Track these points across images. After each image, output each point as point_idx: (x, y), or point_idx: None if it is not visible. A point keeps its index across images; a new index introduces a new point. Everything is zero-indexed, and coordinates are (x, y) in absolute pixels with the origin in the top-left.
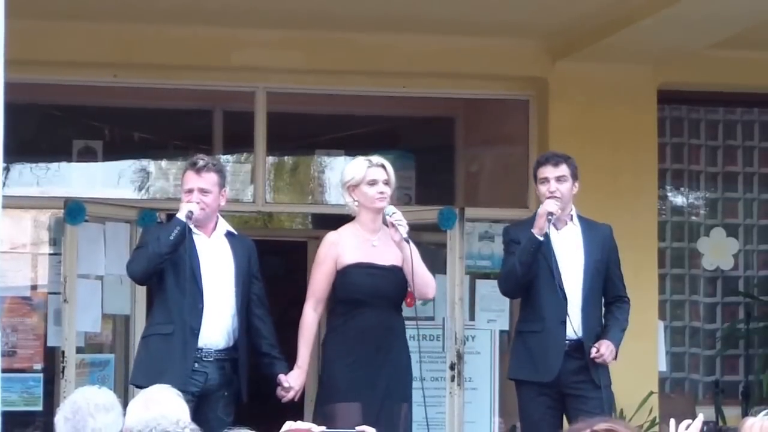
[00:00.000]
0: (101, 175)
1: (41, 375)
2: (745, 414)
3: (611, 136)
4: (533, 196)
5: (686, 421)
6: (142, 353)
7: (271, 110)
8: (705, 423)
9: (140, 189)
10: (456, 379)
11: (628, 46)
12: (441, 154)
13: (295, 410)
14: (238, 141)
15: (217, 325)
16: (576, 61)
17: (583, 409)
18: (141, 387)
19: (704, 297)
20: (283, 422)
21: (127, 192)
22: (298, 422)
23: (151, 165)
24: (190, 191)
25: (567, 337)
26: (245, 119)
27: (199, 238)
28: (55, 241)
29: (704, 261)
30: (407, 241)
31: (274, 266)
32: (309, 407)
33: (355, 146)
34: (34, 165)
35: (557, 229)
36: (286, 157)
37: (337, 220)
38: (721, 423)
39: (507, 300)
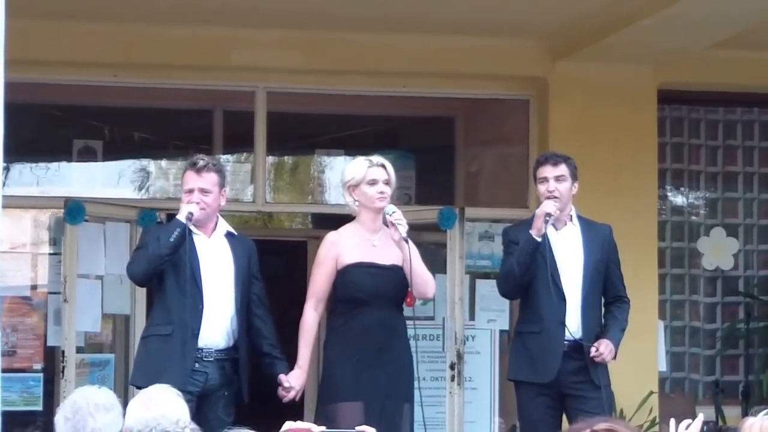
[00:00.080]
0: (101, 175)
1: (41, 375)
2: (745, 414)
3: (611, 136)
4: (533, 196)
5: (686, 421)
6: (142, 354)
7: (271, 110)
8: (705, 423)
9: (140, 189)
10: (456, 378)
11: (628, 46)
12: (441, 154)
13: (295, 410)
14: (238, 141)
15: (218, 325)
16: (576, 61)
17: (582, 408)
18: (140, 387)
19: (704, 297)
20: (283, 422)
21: (127, 192)
22: (298, 422)
23: (151, 165)
24: (191, 191)
25: (566, 338)
26: (245, 119)
27: (199, 239)
28: (55, 241)
29: (704, 261)
30: (407, 241)
31: (274, 266)
32: (309, 407)
33: (355, 146)
34: (34, 165)
35: (557, 230)
36: (286, 157)
37: (337, 219)
38: (721, 423)
39: (507, 300)
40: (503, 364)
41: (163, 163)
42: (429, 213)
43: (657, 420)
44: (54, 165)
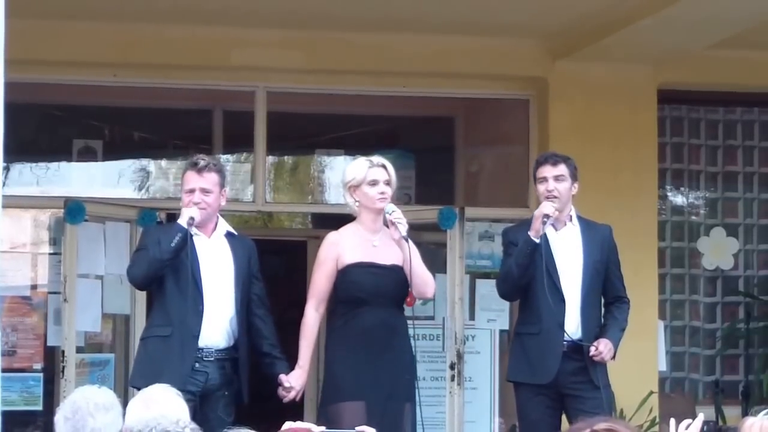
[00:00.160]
0: (101, 175)
1: (41, 374)
2: (745, 414)
3: (611, 136)
4: (533, 195)
5: (686, 421)
6: (141, 355)
7: (271, 110)
8: (705, 423)
9: (140, 189)
10: (456, 378)
11: (627, 46)
12: (441, 153)
13: (295, 410)
14: (238, 141)
15: (218, 325)
16: (576, 61)
17: (582, 408)
18: (140, 389)
19: (704, 297)
20: (283, 422)
21: (127, 192)
22: (298, 422)
23: (151, 165)
24: (192, 191)
25: (565, 339)
26: (245, 119)
27: (199, 239)
28: (55, 241)
29: (704, 261)
30: (407, 240)
31: (274, 266)
32: (309, 407)
33: (355, 146)
34: (34, 165)
35: (556, 230)
36: (286, 157)
37: (337, 219)
38: (721, 423)
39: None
40: (503, 364)
41: (163, 163)
42: (429, 213)
43: (657, 420)
44: (54, 165)
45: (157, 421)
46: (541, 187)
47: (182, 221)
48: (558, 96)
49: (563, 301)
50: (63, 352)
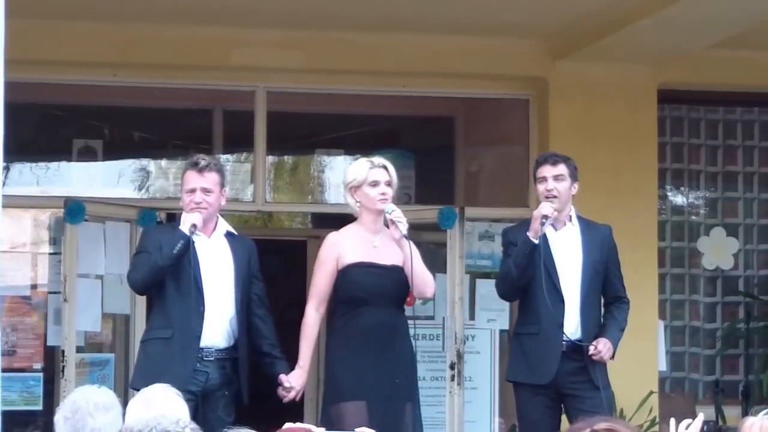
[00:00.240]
0: (101, 175)
1: (41, 374)
2: (745, 413)
3: (611, 136)
4: (533, 195)
5: (686, 421)
6: (142, 357)
7: (271, 110)
8: (705, 422)
9: (140, 188)
10: (456, 378)
11: (627, 46)
12: (441, 153)
13: (295, 410)
14: (238, 140)
15: (218, 325)
16: (576, 61)
17: (582, 408)
18: None
19: (704, 296)
20: (283, 422)
21: (127, 191)
22: (297, 424)
23: (150, 164)
24: (193, 191)
25: (565, 339)
26: (245, 119)
27: (199, 239)
28: (55, 241)
29: (704, 260)
30: (407, 239)
31: (274, 266)
32: (309, 407)
33: (354, 146)
34: (34, 164)
35: (556, 230)
36: (286, 157)
37: (337, 219)
38: (721, 422)
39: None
40: (503, 363)
41: (163, 162)
42: (429, 213)
43: (657, 420)
44: (54, 165)
45: (157, 421)
46: (541, 187)
47: (184, 227)
48: (558, 96)
49: (562, 301)
50: (63, 351)
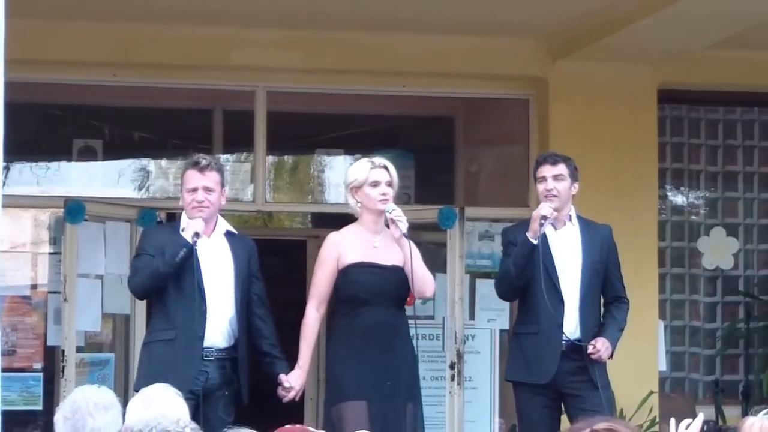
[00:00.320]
0: (101, 175)
1: (41, 374)
2: (745, 413)
3: (611, 136)
4: (533, 195)
5: (686, 421)
6: (145, 359)
7: (271, 110)
8: (705, 422)
9: (140, 188)
10: (456, 378)
11: (627, 46)
12: (441, 153)
13: (295, 410)
14: (238, 140)
15: (218, 325)
16: (576, 61)
17: (582, 407)
18: None
19: (704, 296)
20: (283, 422)
21: (127, 191)
22: (297, 426)
23: (150, 164)
24: (194, 190)
25: (564, 339)
26: (245, 119)
27: (199, 239)
28: (55, 240)
29: (704, 260)
30: (407, 237)
31: (274, 266)
32: (309, 407)
33: (354, 146)
34: (34, 164)
35: (555, 229)
36: (286, 157)
37: (337, 219)
38: (721, 422)
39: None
40: (503, 363)
41: (163, 162)
42: (429, 212)
43: (657, 420)
44: (54, 164)
45: (157, 421)
46: (541, 187)
47: (187, 235)
48: (558, 96)
49: (562, 301)
50: (63, 351)
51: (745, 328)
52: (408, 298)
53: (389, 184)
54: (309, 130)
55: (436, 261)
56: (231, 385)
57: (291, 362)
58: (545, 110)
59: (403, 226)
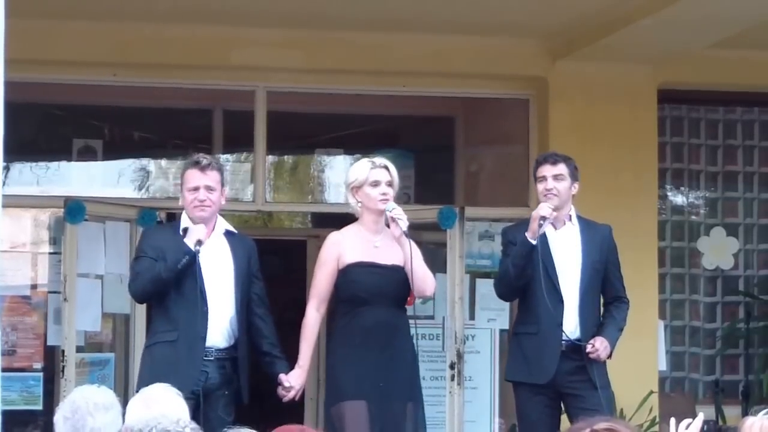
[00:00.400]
0: (101, 174)
1: (41, 374)
2: (745, 413)
3: (611, 136)
4: (533, 195)
5: (686, 420)
6: (148, 361)
7: (271, 109)
8: (705, 422)
9: (140, 188)
10: (456, 378)
11: (627, 46)
12: (441, 153)
13: (295, 410)
14: (238, 140)
15: (218, 324)
16: (576, 61)
17: (582, 407)
18: None
19: (704, 296)
20: (283, 422)
21: (127, 191)
22: (293, 426)
23: (150, 164)
24: (196, 189)
25: (564, 338)
26: (245, 118)
27: (201, 246)
28: (55, 240)
29: (704, 260)
30: (407, 236)
31: (274, 266)
32: (309, 407)
33: (354, 145)
34: (34, 164)
35: (555, 229)
36: (286, 157)
37: (337, 219)
38: (721, 422)
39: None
40: (503, 363)
41: (163, 162)
42: (429, 212)
43: (657, 419)
44: (54, 164)
45: (157, 421)
46: (541, 186)
47: (189, 242)
48: (558, 96)
49: (561, 301)
50: (63, 351)
51: (745, 328)
52: (408, 298)
53: (389, 183)
54: (309, 130)
55: (436, 261)
56: (231, 385)
57: (291, 362)
58: (545, 110)
59: (404, 224)
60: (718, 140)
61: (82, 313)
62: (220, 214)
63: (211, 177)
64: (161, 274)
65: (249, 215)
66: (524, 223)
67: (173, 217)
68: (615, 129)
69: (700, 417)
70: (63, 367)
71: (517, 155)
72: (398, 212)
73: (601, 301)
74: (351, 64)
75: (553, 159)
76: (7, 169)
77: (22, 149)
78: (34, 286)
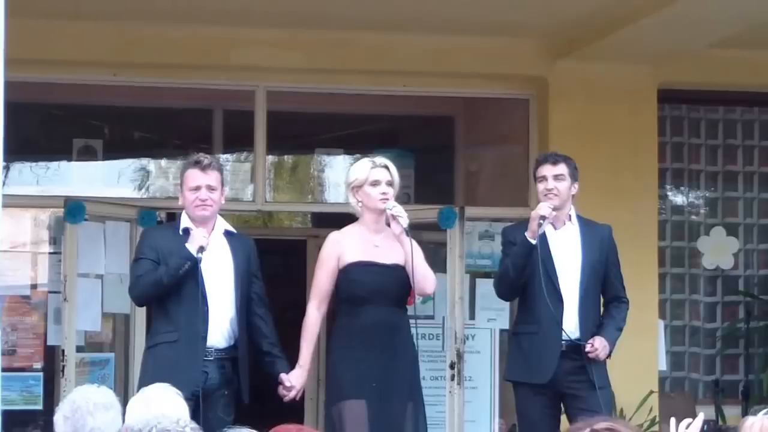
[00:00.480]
0: (101, 174)
1: (41, 374)
2: (745, 413)
3: (611, 136)
4: (533, 195)
5: (686, 420)
6: (150, 363)
7: (271, 109)
8: (705, 422)
9: (140, 188)
10: (456, 378)
11: (628, 45)
12: (441, 153)
13: (295, 410)
14: (238, 140)
15: (218, 324)
16: (576, 61)
17: (581, 407)
18: None
19: (704, 296)
20: (284, 422)
21: (127, 191)
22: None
23: (150, 164)
24: (198, 188)
25: (563, 338)
26: (245, 118)
27: (203, 252)
28: (55, 240)
29: (704, 260)
30: (407, 233)
31: (274, 265)
32: (309, 406)
33: (354, 145)
34: (34, 164)
35: (555, 229)
36: (286, 156)
37: (337, 219)
38: (721, 422)
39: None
40: (503, 363)
41: (163, 162)
42: (429, 212)
43: (657, 419)
44: (54, 164)
45: (157, 420)
46: (541, 186)
47: (191, 247)
48: (558, 95)
49: (561, 300)
50: (63, 351)
51: (745, 328)
52: (408, 298)
53: (390, 183)
54: (309, 130)
55: (436, 261)
56: (231, 385)
57: (291, 362)
58: (545, 110)
59: (404, 221)
60: (718, 140)
61: (82, 313)
62: (220, 214)
63: (212, 176)
64: (162, 279)
65: (249, 215)
66: (524, 223)
67: (173, 217)
68: (615, 129)
69: (700, 417)
70: (63, 366)
71: (517, 155)
72: (398, 210)
73: (601, 301)
74: (351, 64)
75: (554, 159)
76: (7, 169)
77: (22, 149)
78: (34, 286)
